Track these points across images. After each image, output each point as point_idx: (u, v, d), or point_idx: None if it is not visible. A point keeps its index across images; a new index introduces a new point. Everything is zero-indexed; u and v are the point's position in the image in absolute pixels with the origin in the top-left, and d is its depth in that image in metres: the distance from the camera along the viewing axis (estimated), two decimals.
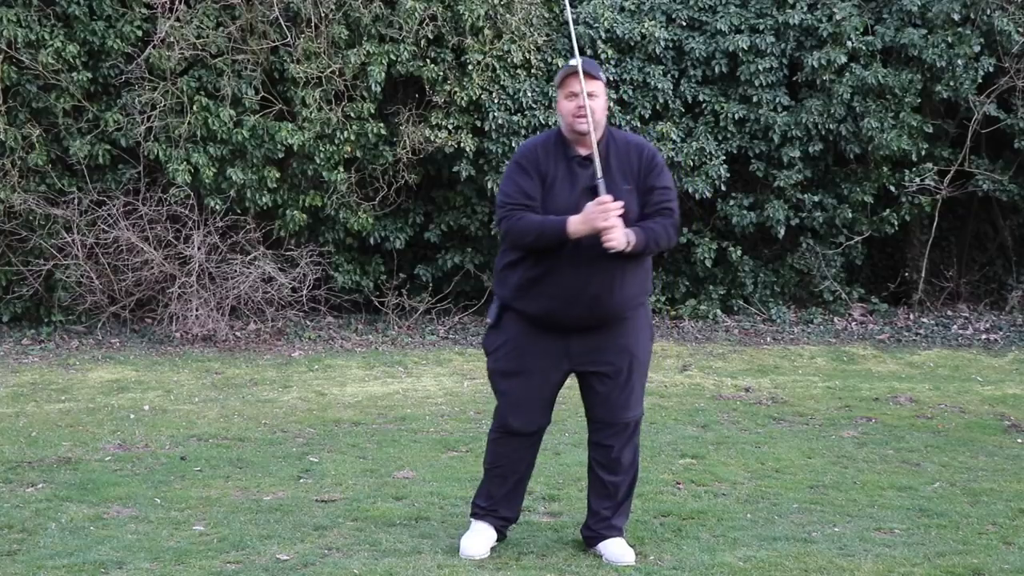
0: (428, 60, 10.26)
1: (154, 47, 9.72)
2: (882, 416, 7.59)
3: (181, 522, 5.24)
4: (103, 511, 5.40)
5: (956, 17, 10.53)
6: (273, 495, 5.70)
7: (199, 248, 9.85)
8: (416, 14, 10.02)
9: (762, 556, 4.77)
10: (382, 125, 10.23)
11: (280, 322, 10.14)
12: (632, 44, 10.66)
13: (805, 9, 10.72)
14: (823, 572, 4.61)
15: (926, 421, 7.47)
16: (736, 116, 10.69)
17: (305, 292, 10.11)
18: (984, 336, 10.55)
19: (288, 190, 10.31)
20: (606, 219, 4.40)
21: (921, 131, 10.67)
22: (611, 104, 10.42)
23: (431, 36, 10.22)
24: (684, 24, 10.83)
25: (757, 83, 10.63)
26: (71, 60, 9.66)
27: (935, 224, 11.11)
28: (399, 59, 10.12)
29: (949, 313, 11.27)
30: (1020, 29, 10.54)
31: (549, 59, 10.40)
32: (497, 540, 4.87)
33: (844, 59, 10.52)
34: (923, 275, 11.28)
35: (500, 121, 10.19)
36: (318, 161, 10.08)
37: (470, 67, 10.19)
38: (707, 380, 8.75)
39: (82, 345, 9.76)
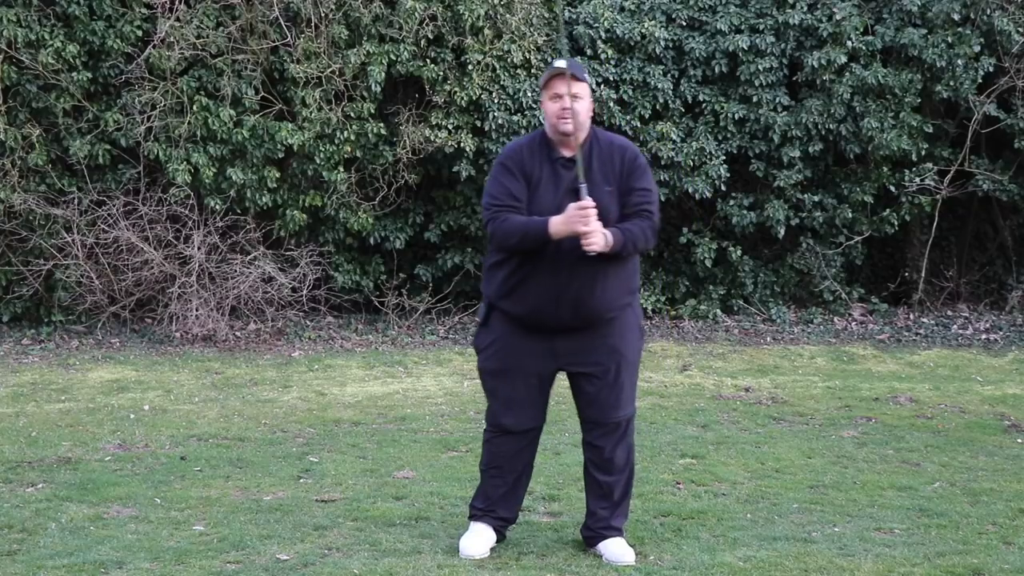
0: (428, 60, 10.26)
1: (154, 47, 9.72)
2: (882, 416, 7.59)
3: (181, 522, 5.25)
4: (103, 511, 5.40)
5: (956, 17, 10.53)
6: (273, 495, 5.70)
7: (199, 248, 9.85)
8: (416, 14, 10.02)
9: (762, 556, 4.77)
10: (382, 125, 10.23)
11: (280, 322, 10.14)
12: (632, 44, 10.66)
13: (805, 9, 10.72)
14: (823, 572, 4.61)
15: (926, 421, 7.47)
16: (736, 116, 10.69)
17: (305, 292, 10.11)
18: (984, 336, 10.55)
19: (288, 190, 10.31)
20: (586, 223, 4.42)
21: (921, 131, 10.67)
22: (611, 104, 10.42)
23: (431, 36, 10.22)
24: (684, 24, 10.83)
25: (757, 83, 10.63)
26: (71, 60, 9.66)
27: (935, 224, 11.11)
28: (399, 59, 10.12)
29: (949, 313, 11.27)
30: (1020, 29, 10.54)
31: (549, 59, 10.40)
32: (496, 540, 4.87)
33: (844, 59, 10.52)
34: (923, 275, 11.28)
35: (500, 121, 10.19)
36: (318, 161, 10.08)
37: (470, 67, 10.19)
38: (707, 380, 8.75)
39: (82, 345, 9.76)
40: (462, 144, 10.15)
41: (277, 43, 10.01)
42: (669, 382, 8.68)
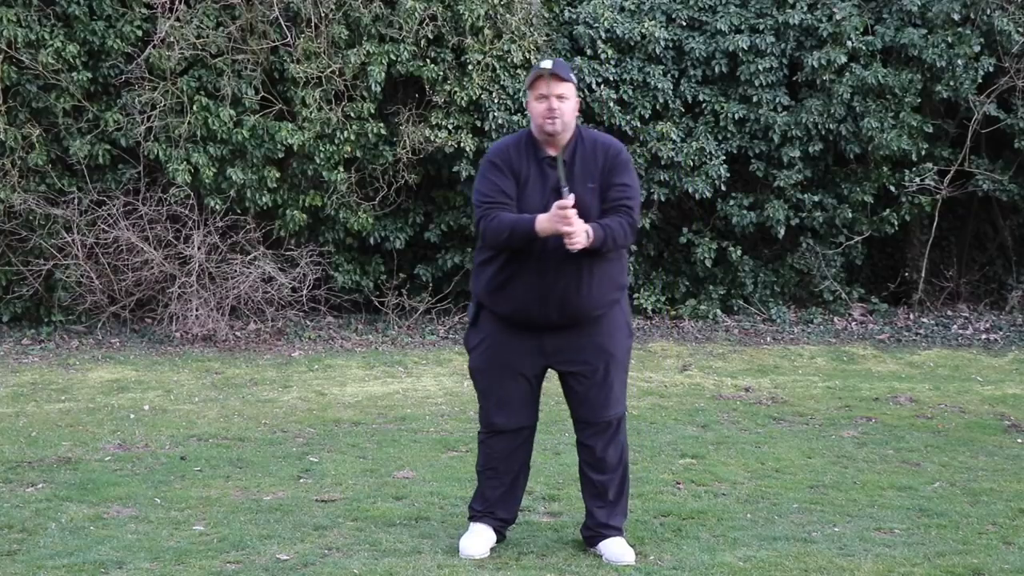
0: (428, 60, 10.26)
1: (154, 47, 9.72)
2: (882, 416, 7.59)
3: (181, 522, 5.25)
4: (103, 511, 5.40)
5: (956, 17, 10.53)
6: (273, 495, 5.70)
7: (199, 248, 9.85)
8: (416, 14, 10.02)
9: (762, 556, 4.77)
10: (382, 125, 10.23)
11: (280, 322, 10.14)
12: (632, 44, 10.66)
13: (805, 9, 10.72)
14: (823, 572, 4.61)
15: (926, 421, 7.47)
16: (736, 116, 10.69)
17: (305, 292, 10.11)
18: (984, 336, 10.56)
19: (288, 190, 10.31)
20: (568, 224, 4.43)
21: (921, 131, 10.67)
22: (611, 104, 10.42)
23: (431, 36, 10.22)
24: (684, 24, 10.83)
25: (757, 83, 10.63)
26: (71, 60, 9.66)
27: (935, 224, 11.11)
28: (399, 59, 10.12)
29: (949, 313, 11.27)
30: (1020, 29, 10.54)
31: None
32: (496, 541, 4.87)
33: (844, 59, 10.52)
34: (923, 275, 11.28)
35: (500, 121, 10.19)
36: (318, 161, 10.08)
37: (470, 67, 10.19)
38: (707, 380, 8.75)
39: (82, 345, 9.76)
40: (462, 144, 10.15)
41: (277, 43, 10.01)
42: (669, 382, 8.68)
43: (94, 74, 9.89)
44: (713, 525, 5.20)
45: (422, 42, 10.21)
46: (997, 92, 10.67)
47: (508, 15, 10.28)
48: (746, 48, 10.60)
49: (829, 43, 10.59)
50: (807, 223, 10.99)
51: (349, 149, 10.13)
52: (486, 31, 10.26)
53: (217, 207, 9.94)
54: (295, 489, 5.81)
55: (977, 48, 10.50)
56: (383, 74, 10.05)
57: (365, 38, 10.10)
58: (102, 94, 10.08)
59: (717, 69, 10.70)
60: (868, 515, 5.40)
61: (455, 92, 10.19)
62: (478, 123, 10.37)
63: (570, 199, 4.45)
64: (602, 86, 10.48)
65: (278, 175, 10.13)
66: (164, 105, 9.79)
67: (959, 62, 10.48)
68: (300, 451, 6.61)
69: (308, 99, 9.93)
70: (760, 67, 10.60)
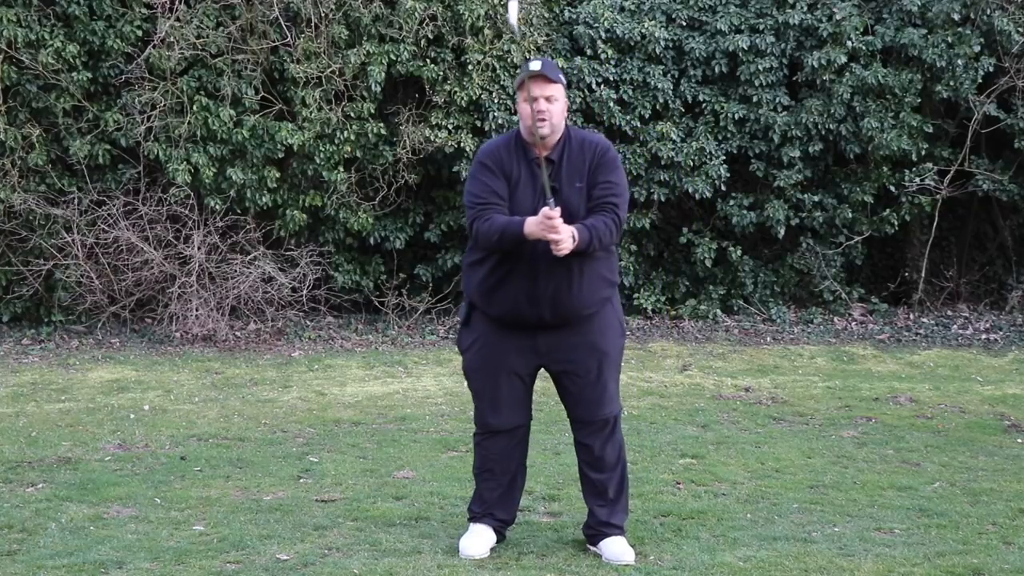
0: (428, 60, 10.26)
1: (154, 47, 9.72)
2: (882, 416, 7.59)
3: (181, 522, 5.25)
4: (103, 511, 5.40)
5: (956, 17, 10.53)
6: (273, 495, 5.70)
7: (199, 248, 9.85)
8: (416, 14, 10.02)
9: (762, 556, 4.77)
10: (382, 125, 10.23)
11: (280, 322, 10.14)
12: (632, 44, 10.66)
13: (805, 9, 10.72)
14: (823, 572, 4.61)
15: (926, 421, 7.47)
16: (736, 116, 10.69)
17: (305, 292, 10.11)
18: (984, 336, 10.55)
19: (288, 190, 10.32)
20: (554, 232, 4.44)
21: (921, 131, 10.67)
22: (611, 104, 10.42)
23: (431, 36, 10.22)
24: (684, 24, 10.83)
25: (757, 83, 10.63)
26: (71, 60, 9.67)
27: (935, 224, 11.11)
28: (399, 59, 10.12)
29: (949, 313, 11.27)
30: (1020, 29, 10.54)
31: (549, 59, 10.38)
32: (496, 541, 4.88)
33: (844, 59, 10.52)
34: (923, 275, 11.28)
35: (500, 121, 10.19)
36: (318, 161, 10.08)
37: (470, 67, 10.19)
38: (707, 380, 8.75)
39: (82, 345, 9.76)
40: (462, 144, 10.15)
41: (277, 43, 10.01)
42: (669, 382, 8.68)
43: (94, 74, 9.90)
44: (713, 525, 5.20)
45: (422, 42, 10.22)
46: (997, 92, 10.67)
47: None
48: (746, 48, 10.60)
49: (829, 43, 10.59)
50: (807, 223, 10.99)
51: (349, 149, 10.13)
52: (486, 31, 10.26)
53: (217, 207, 9.94)
54: (295, 489, 5.81)
55: (977, 48, 10.50)
56: (383, 74, 10.05)
57: (365, 38, 10.10)
58: (102, 94, 10.08)
59: (717, 69, 10.70)
60: (868, 515, 5.40)
61: (455, 92, 10.19)
62: (478, 123, 10.37)
63: (556, 210, 4.45)
64: (602, 86, 10.48)
65: (278, 175, 10.13)
66: (164, 105, 9.79)
67: (959, 62, 10.48)
68: (300, 451, 6.61)
69: (308, 99, 9.93)
70: (760, 67, 10.60)
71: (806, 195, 10.87)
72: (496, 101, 10.26)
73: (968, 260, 11.98)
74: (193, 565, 4.65)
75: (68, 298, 10.06)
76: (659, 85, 10.57)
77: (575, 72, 10.44)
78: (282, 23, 9.94)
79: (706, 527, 5.17)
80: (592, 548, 4.85)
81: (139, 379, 8.55)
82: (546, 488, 5.77)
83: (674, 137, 10.55)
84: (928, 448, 6.74)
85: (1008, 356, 9.77)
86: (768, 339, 10.38)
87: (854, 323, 10.96)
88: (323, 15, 9.96)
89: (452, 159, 10.33)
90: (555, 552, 4.85)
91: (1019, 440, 7.00)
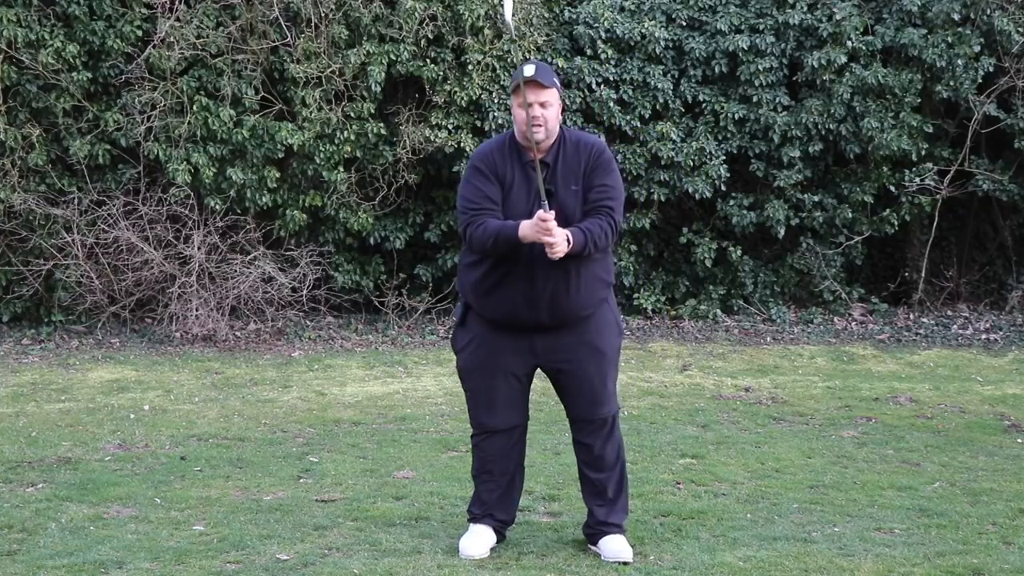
0: (428, 60, 10.26)
1: (154, 47, 9.73)
2: (882, 416, 7.59)
3: (181, 522, 5.25)
4: (103, 511, 5.41)
5: (956, 17, 10.53)
6: (273, 495, 5.70)
7: (199, 248, 9.85)
8: (416, 14, 10.02)
9: (762, 556, 4.77)
10: (382, 125, 10.23)
11: (280, 322, 10.14)
12: (632, 44, 10.66)
13: (805, 9, 10.72)
14: (823, 572, 4.62)
15: (926, 421, 7.47)
16: (736, 116, 10.69)
17: (305, 292, 10.11)
18: (984, 336, 10.55)
19: (288, 190, 10.32)
20: (548, 235, 4.43)
21: (921, 131, 10.67)
22: (611, 104, 10.42)
23: (431, 36, 10.22)
24: (684, 24, 10.83)
25: (757, 83, 10.63)
26: (71, 60, 9.67)
27: (935, 224, 11.11)
28: (399, 59, 10.12)
29: (949, 313, 11.27)
30: (1020, 29, 10.54)
31: (549, 59, 10.40)
32: (496, 541, 4.88)
33: (844, 59, 10.52)
34: (923, 275, 11.28)
35: (500, 121, 10.19)
36: (318, 161, 10.08)
37: (470, 67, 10.19)
38: (707, 380, 8.75)
39: (82, 345, 9.76)
40: (462, 144, 10.16)
41: (277, 43, 10.01)
42: (669, 382, 8.68)
43: (94, 74, 9.90)
44: (713, 525, 5.20)
45: (422, 42, 10.22)
46: (997, 92, 10.67)
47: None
48: (746, 48, 10.60)
49: (829, 43, 10.59)
50: (807, 223, 10.99)
51: (349, 149, 10.13)
52: (486, 31, 10.26)
53: (217, 207, 9.94)
54: (295, 489, 5.81)
55: (977, 48, 10.50)
56: (383, 74, 10.05)
57: (365, 38, 10.10)
58: (102, 94, 10.08)
59: (717, 69, 10.70)
60: (868, 515, 5.40)
61: (455, 92, 10.19)
62: (478, 123, 10.37)
63: (551, 213, 4.44)
64: (602, 86, 10.48)
65: (278, 175, 10.13)
66: (164, 105, 9.79)
67: (959, 62, 10.48)
68: (300, 451, 6.61)
69: (308, 99, 9.93)
70: (760, 67, 10.60)
71: (806, 195, 10.87)
72: (496, 101, 10.27)
73: (968, 260, 11.98)
74: (193, 565, 4.65)
75: (68, 298, 10.06)
76: (659, 85, 10.57)
77: (575, 72, 10.45)
78: (282, 23, 9.94)
79: (706, 527, 5.17)
80: (592, 547, 4.85)
81: (139, 379, 8.55)
82: (546, 488, 5.77)
83: (674, 137, 10.55)
84: (928, 448, 6.74)
85: (1008, 356, 9.77)
86: (768, 339, 10.38)
87: (854, 323, 10.96)
88: (323, 15, 9.96)
89: (452, 159, 10.33)
90: (555, 552, 4.85)
91: (1019, 440, 7.00)
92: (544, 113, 4.62)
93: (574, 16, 10.73)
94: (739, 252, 10.93)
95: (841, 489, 5.83)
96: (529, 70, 4.58)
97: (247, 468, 6.22)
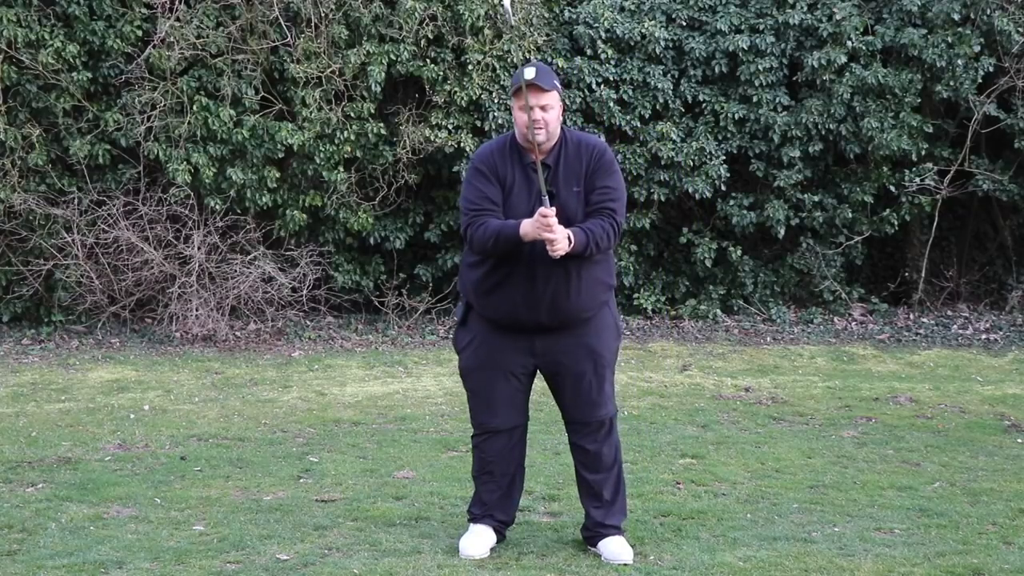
0: (428, 60, 10.26)
1: (154, 47, 9.73)
2: (882, 416, 7.59)
3: (181, 522, 5.25)
4: (103, 511, 5.41)
5: (956, 17, 10.52)
6: (273, 495, 5.70)
7: (199, 248, 9.85)
8: (416, 14, 10.02)
9: (762, 556, 4.77)
10: (382, 125, 10.23)
11: (280, 322, 10.14)
12: (632, 44, 10.66)
13: (805, 9, 10.72)
14: (823, 572, 4.62)
15: (926, 421, 7.47)
16: (736, 116, 10.69)
17: (305, 292, 10.11)
18: (984, 336, 10.55)
19: (288, 190, 10.32)
20: (549, 231, 4.43)
21: (921, 131, 10.67)
22: (611, 104, 10.42)
23: (431, 36, 10.22)
24: (684, 24, 10.83)
25: (757, 83, 10.63)
26: (71, 60, 9.67)
27: (935, 224, 11.11)
28: (399, 59, 10.12)
29: (949, 313, 11.27)
30: (1020, 29, 10.54)
31: (549, 59, 10.40)
32: (496, 541, 4.88)
33: (844, 59, 10.52)
34: (923, 275, 11.28)
35: (500, 121, 10.19)
36: (318, 161, 10.08)
37: (470, 67, 10.19)
38: (707, 380, 8.75)
39: (82, 345, 9.77)
40: (462, 144, 10.16)
41: (277, 43, 10.01)
42: (669, 382, 8.68)
43: (94, 74, 9.90)
44: (713, 525, 5.20)
45: (422, 42, 10.21)
46: (997, 92, 10.66)
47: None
48: (746, 48, 10.60)
49: (829, 43, 10.59)
50: (807, 223, 10.99)
51: (349, 149, 10.13)
52: (486, 31, 10.26)
53: (217, 207, 9.94)
54: (295, 489, 5.81)
55: (977, 48, 10.50)
56: (383, 74, 10.05)
57: (365, 38, 10.10)
58: (102, 94, 10.08)
59: (717, 69, 10.70)
60: (868, 515, 5.40)
61: (455, 92, 10.19)
62: (478, 123, 10.37)
63: (552, 209, 4.44)
64: (602, 86, 10.48)
65: (278, 175, 10.13)
66: (164, 105, 9.79)
67: (959, 62, 10.48)
68: (300, 451, 6.61)
69: (308, 99, 9.93)
70: (760, 67, 10.60)
71: (806, 195, 10.87)
72: (496, 101, 10.27)
73: (968, 260, 11.98)
74: (193, 565, 4.65)
75: (68, 298, 10.06)
76: (659, 85, 10.57)
77: (575, 72, 10.45)
78: (282, 23, 9.94)
79: (706, 527, 5.17)
80: (591, 549, 4.85)
81: (139, 379, 8.55)
82: (546, 488, 5.77)
83: (674, 137, 10.55)
84: (928, 448, 6.74)
85: (1008, 356, 9.78)
86: (768, 339, 10.38)
87: (854, 323, 10.96)
88: (323, 15, 9.96)
89: (452, 159, 10.33)
90: (555, 552, 4.85)
91: (1019, 440, 7.00)
92: (545, 116, 4.62)
93: (574, 16, 10.73)
94: (739, 252, 10.93)
95: (841, 489, 5.83)
96: (529, 73, 4.56)
97: (247, 468, 6.22)
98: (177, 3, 9.79)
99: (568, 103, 10.22)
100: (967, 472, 6.21)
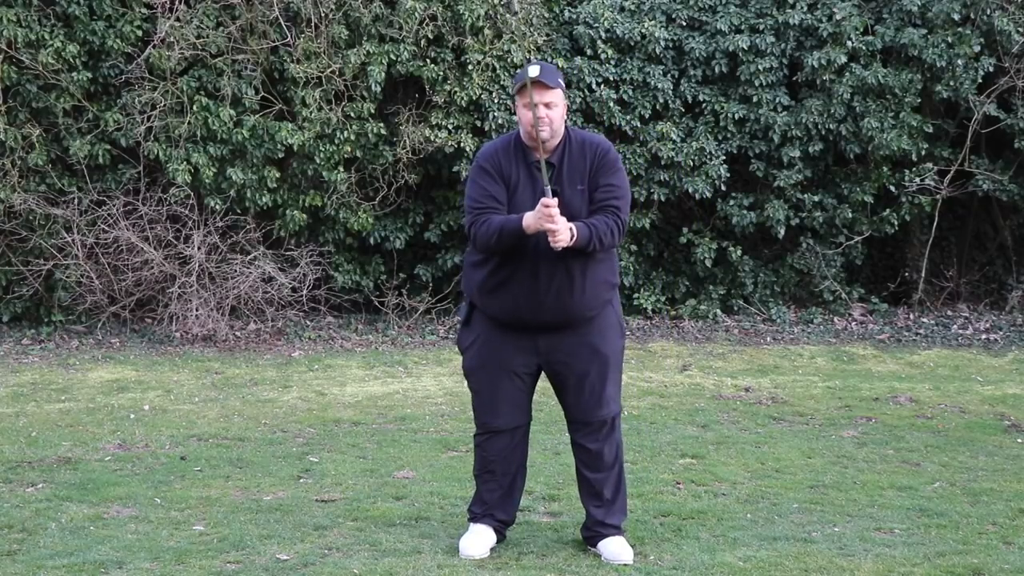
0: (428, 60, 10.26)
1: (154, 47, 9.73)
2: (882, 416, 7.59)
3: (181, 522, 5.25)
4: (103, 511, 5.41)
5: (956, 17, 10.52)
6: (273, 495, 5.70)
7: (199, 248, 9.85)
8: (416, 14, 10.02)
9: (762, 556, 4.77)
10: (382, 125, 10.23)
11: (280, 322, 10.15)
12: (632, 44, 10.66)
13: (805, 9, 10.72)
14: (823, 572, 4.62)
15: (926, 421, 7.48)
16: (736, 116, 10.69)
17: (305, 292, 10.11)
18: (984, 336, 10.55)
19: (288, 190, 10.32)
20: (551, 221, 4.43)
21: (921, 131, 10.67)
22: (611, 104, 10.42)
23: (431, 36, 10.22)
24: (684, 24, 10.83)
25: (757, 83, 10.63)
26: (71, 60, 9.67)
27: (935, 224, 11.11)
28: (399, 59, 10.12)
29: (949, 313, 11.27)
30: (1020, 29, 10.54)
31: (549, 59, 10.40)
32: (496, 541, 4.88)
33: (844, 59, 10.52)
34: (923, 275, 11.28)
35: (500, 121, 10.19)
36: (318, 161, 10.08)
37: (470, 67, 10.19)
38: (707, 380, 8.75)
39: (82, 345, 9.77)
40: (462, 144, 10.16)
41: (277, 43, 10.01)
42: (669, 382, 8.68)
43: (94, 74, 9.90)
44: (713, 525, 5.20)
45: (422, 42, 10.22)
46: (997, 92, 10.66)
47: (508, 15, 10.28)
48: (746, 48, 10.60)
49: (829, 43, 10.59)
50: (807, 223, 10.99)
51: (349, 149, 10.14)
52: (486, 31, 10.26)
53: (217, 207, 9.94)
54: (295, 489, 5.81)
55: (977, 48, 10.49)
56: (383, 74, 10.05)
57: (365, 38, 10.10)
58: (102, 94, 10.08)
59: (717, 69, 10.70)
60: (868, 515, 5.40)
61: (455, 92, 10.19)
62: (478, 123, 10.37)
63: (554, 200, 4.44)
64: (602, 86, 10.48)
65: (278, 175, 10.13)
66: (164, 105, 9.79)
67: (959, 62, 10.48)
68: (300, 451, 6.61)
69: (308, 99, 9.93)
70: (760, 67, 10.60)
71: (806, 195, 10.87)
72: (496, 101, 10.27)
73: (968, 260, 11.98)
74: (193, 565, 4.65)
75: (68, 298, 10.06)
76: (659, 85, 10.57)
77: (575, 72, 10.44)
78: (282, 23, 9.94)
79: (706, 527, 5.17)
80: (591, 549, 4.85)
81: (139, 379, 8.55)
82: (546, 488, 5.77)
83: (674, 137, 10.55)
84: (928, 448, 6.74)
85: (1008, 356, 9.78)
86: (768, 339, 10.38)
87: (854, 323, 10.96)
88: (323, 15, 9.96)
89: (452, 159, 10.34)
90: (555, 552, 4.85)
91: (1019, 440, 7.00)
92: (549, 113, 4.62)
93: (574, 16, 10.73)
94: (739, 252, 10.93)
95: (841, 489, 5.83)
96: (534, 71, 4.57)
97: (247, 468, 6.22)
98: (177, 3, 9.79)
99: (568, 103, 10.21)
100: (967, 472, 6.21)
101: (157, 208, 9.88)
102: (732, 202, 10.85)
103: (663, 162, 10.58)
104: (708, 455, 6.52)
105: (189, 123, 9.79)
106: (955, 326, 10.86)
